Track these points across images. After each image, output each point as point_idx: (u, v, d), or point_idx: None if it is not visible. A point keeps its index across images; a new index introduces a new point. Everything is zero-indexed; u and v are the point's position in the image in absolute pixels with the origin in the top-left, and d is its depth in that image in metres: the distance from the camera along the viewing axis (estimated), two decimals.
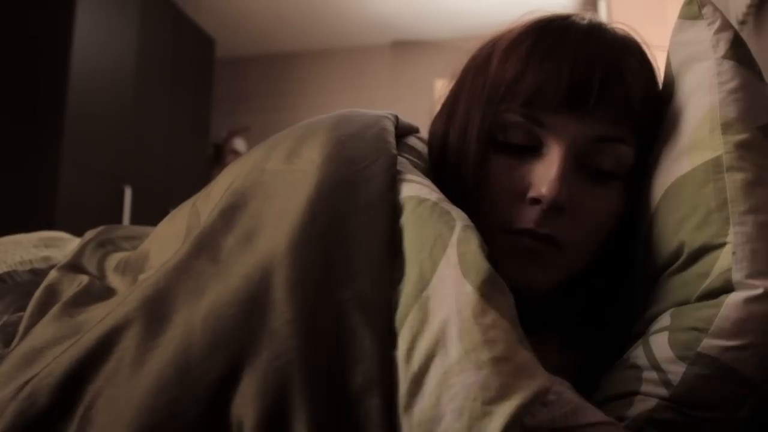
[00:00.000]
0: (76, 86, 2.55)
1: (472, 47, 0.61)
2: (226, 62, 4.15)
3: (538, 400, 0.35)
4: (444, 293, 0.39)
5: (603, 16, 2.80)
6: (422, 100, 3.88)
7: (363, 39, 4.14)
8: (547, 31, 0.55)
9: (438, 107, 0.63)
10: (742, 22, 0.90)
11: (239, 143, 3.92)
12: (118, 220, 2.81)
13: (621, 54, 0.54)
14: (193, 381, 0.36)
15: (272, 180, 0.47)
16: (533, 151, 0.53)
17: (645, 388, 0.47)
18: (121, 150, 2.87)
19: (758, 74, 0.52)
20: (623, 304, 0.57)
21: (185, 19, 3.50)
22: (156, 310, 0.40)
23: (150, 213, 3.04)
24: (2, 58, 2.56)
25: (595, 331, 0.58)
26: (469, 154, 0.54)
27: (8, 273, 0.60)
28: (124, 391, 0.36)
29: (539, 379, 0.36)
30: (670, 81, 0.55)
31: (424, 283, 0.39)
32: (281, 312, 0.38)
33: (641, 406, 0.46)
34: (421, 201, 0.44)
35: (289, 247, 0.41)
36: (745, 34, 0.89)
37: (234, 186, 0.48)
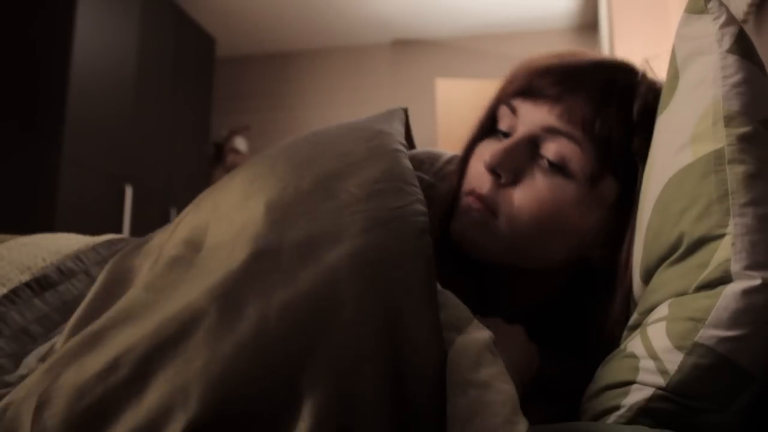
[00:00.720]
0: (76, 86, 2.56)
1: None
2: (227, 61, 4.16)
3: None
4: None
5: (604, 15, 2.80)
6: (422, 99, 3.89)
7: (363, 38, 4.15)
8: (555, 52, 0.65)
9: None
10: (743, 21, 0.91)
11: (240, 142, 3.93)
12: (118, 219, 2.81)
13: (594, 71, 0.62)
14: (272, 355, 0.39)
15: (312, 200, 0.50)
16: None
17: (642, 377, 0.47)
18: (122, 149, 2.88)
19: (762, 69, 0.52)
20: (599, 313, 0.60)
21: (186, 19, 3.51)
22: (227, 304, 0.42)
23: (150, 213, 3.04)
24: (3, 57, 2.56)
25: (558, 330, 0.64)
26: (469, 140, 0.67)
27: (36, 279, 0.65)
28: (204, 357, 0.39)
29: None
30: (674, 74, 0.56)
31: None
32: (351, 311, 0.41)
33: (637, 395, 0.47)
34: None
35: (351, 261, 0.44)
36: None
37: (271, 199, 0.50)
